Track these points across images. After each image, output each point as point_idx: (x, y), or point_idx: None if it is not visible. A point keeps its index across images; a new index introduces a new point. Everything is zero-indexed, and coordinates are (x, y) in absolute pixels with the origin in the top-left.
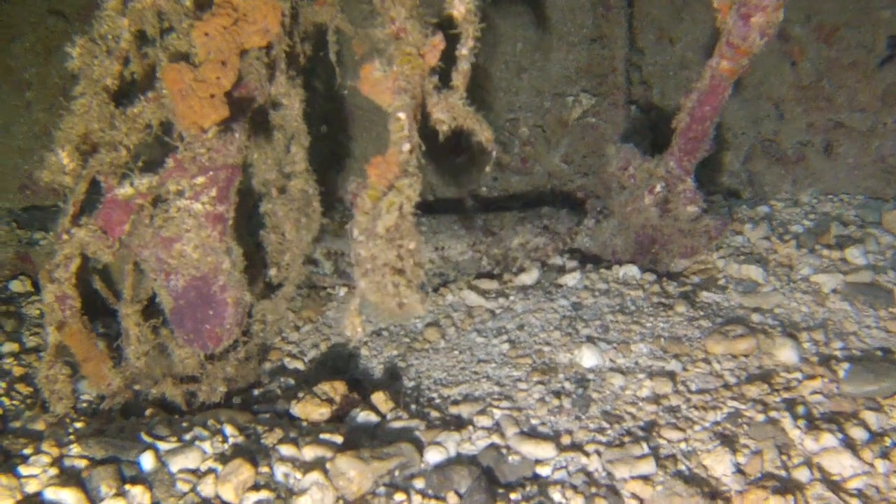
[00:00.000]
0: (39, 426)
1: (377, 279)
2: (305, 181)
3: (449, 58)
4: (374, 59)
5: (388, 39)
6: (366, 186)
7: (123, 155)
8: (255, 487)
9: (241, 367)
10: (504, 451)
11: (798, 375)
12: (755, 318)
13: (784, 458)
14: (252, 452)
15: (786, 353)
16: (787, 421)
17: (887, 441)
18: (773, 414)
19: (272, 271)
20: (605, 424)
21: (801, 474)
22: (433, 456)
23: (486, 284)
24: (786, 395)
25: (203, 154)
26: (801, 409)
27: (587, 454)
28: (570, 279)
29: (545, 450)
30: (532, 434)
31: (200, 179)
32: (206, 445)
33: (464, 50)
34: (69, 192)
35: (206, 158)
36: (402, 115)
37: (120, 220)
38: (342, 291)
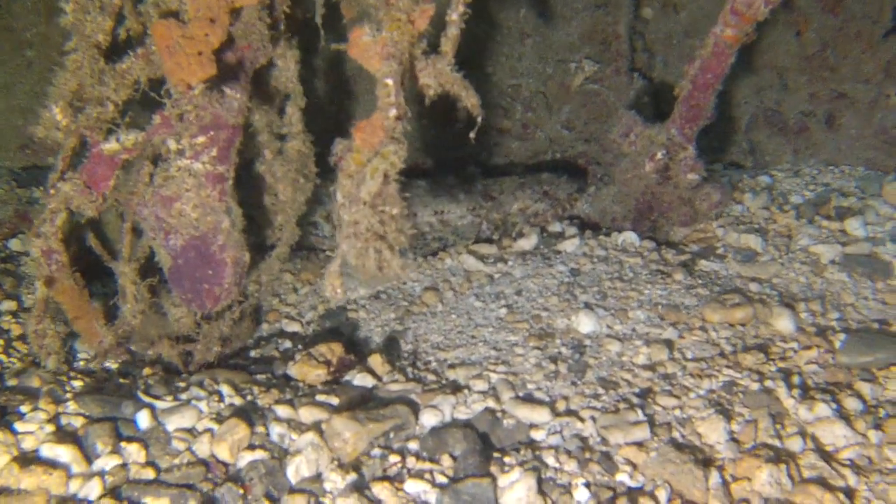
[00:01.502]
0: (34, 382)
1: (359, 243)
2: (302, 142)
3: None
4: (363, 24)
5: (378, 4)
6: (351, 150)
7: (111, 110)
8: (251, 447)
9: (236, 326)
10: (499, 415)
11: (794, 345)
12: (753, 287)
13: (778, 427)
14: (248, 412)
15: (783, 323)
16: (782, 390)
17: (881, 412)
18: (768, 383)
19: (267, 231)
20: (600, 390)
21: (795, 443)
22: (428, 419)
23: (484, 249)
24: (781, 364)
25: (197, 112)
26: (796, 379)
27: (582, 420)
28: (569, 245)
29: (540, 414)
30: (528, 399)
31: (201, 139)
32: (203, 405)
33: (454, 15)
34: (60, 148)
35: (208, 118)
36: (389, 81)
37: (104, 175)
38: None
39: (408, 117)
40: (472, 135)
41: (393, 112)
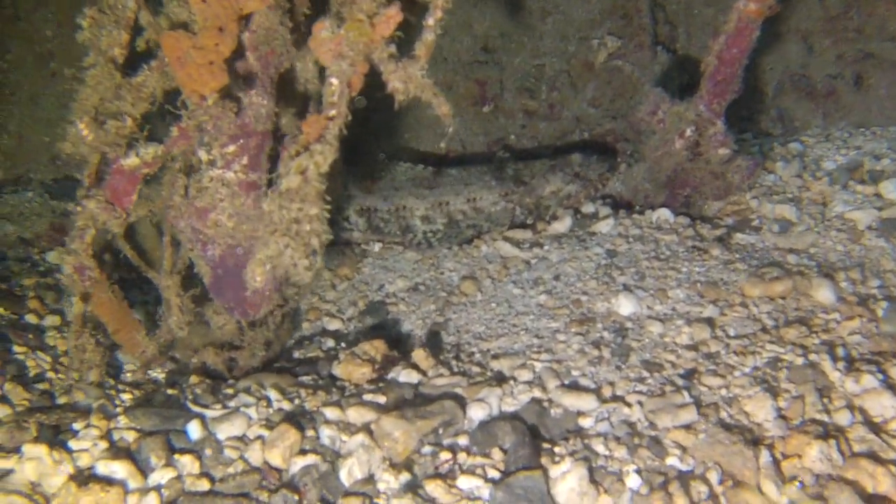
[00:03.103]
0: (82, 398)
1: (268, 235)
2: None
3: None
4: (326, 18)
5: (343, 1)
6: (295, 141)
7: (129, 125)
8: (303, 452)
9: (277, 329)
10: (546, 404)
11: (836, 316)
12: (791, 258)
13: (825, 401)
14: (297, 417)
15: (823, 294)
16: (826, 363)
17: None
18: (812, 357)
19: None
20: (645, 374)
21: (843, 417)
22: (476, 412)
23: (519, 234)
24: (824, 336)
25: (223, 122)
26: (840, 351)
27: (629, 405)
28: (604, 226)
29: (587, 402)
30: (573, 386)
31: (231, 148)
32: (252, 411)
33: (430, 20)
34: (85, 164)
35: (236, 126)
36: (335, 81)
37: (126, 190)
38: (377, 247)
39: (346, 121)
40: (442, 144)
41: (332, 111)
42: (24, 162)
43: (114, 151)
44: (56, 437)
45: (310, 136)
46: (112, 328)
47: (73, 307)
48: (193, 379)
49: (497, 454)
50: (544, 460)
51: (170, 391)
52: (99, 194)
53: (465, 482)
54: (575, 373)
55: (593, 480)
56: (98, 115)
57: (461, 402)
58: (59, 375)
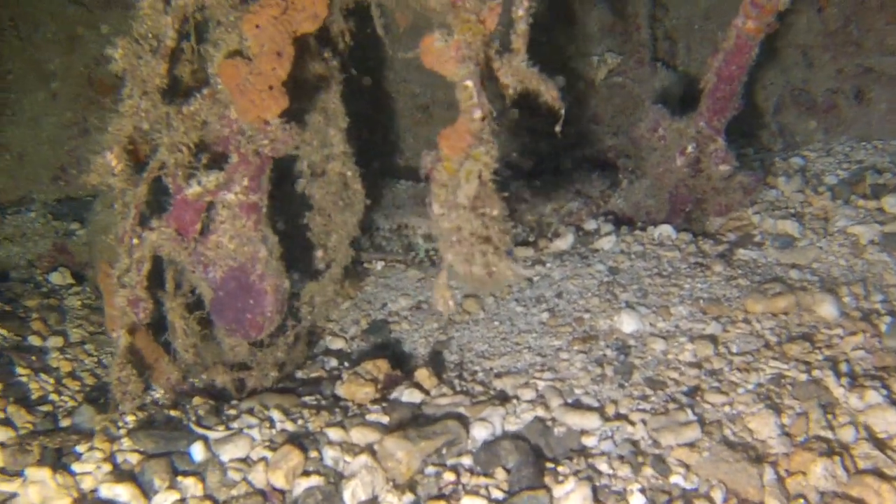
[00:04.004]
0: (86, 420)
1: (464, 250)
2: (342, 163)
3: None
4: (432, 31)
5: (444, 9)
6: (440, 159)
7: (185, 154)
8: (306, 473)
9: (290, 350)
10: (549, 423)
11: (839, 332)
12: (793, 274)
13: (829, 417)
14: (300, 438)
15: (826, 309)
16: (830, 379)
17: None
18: (816, 373)
19: (318, 253)
20: (648, 391)
21: (847, 434)
22: (479, 432)
23: (521, 252)
24: (828, 352)
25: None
26: (844, 367)
27: (632, 423)
28: (606, 243)
29: (590, 420)
30: (576, 405)
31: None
32: (255, 433)
33: (520, 11)
34: (123, 194)
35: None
36: (469, 83)
37: (192, 220)
38: (379, 265)
39: (493, 117)
40: (557, 128)
41: (478, 113)
42: (26, 182)
43: (174, 182)
44: (59, 460)
45: (460, 144)
46: (151, 359)
47: (120, 339)
48: (196, 400)
49: (501, 474)
50: (548, 480)
51: (173, 413)
52: (163, 225)
53: (468, 503)
54: (578, 391)
55: (597, 500)
56: (129, 146)
57: (464, 422)
58: (46, 387)
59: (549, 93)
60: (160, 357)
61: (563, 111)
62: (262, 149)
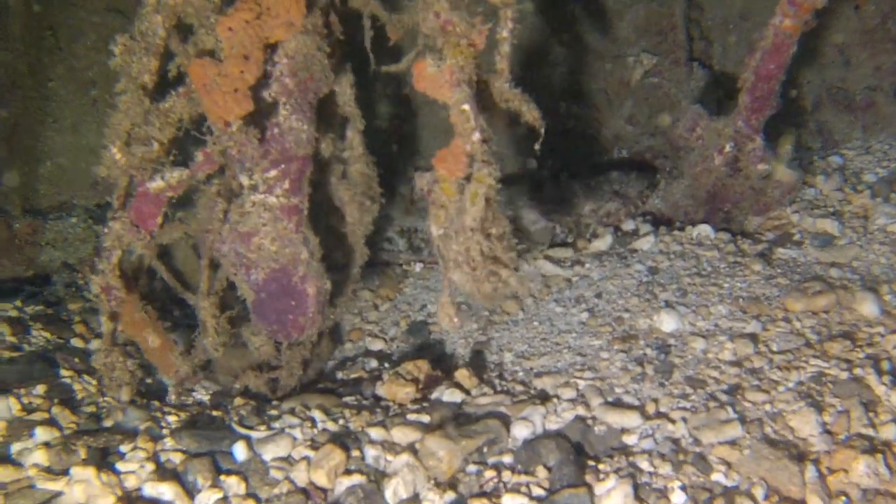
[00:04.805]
0: (121, 419)
1: (476, 271)
2: (365, 164)
3: None
4: (424, 56)
5: (434, 34)
6: (437, 181)
7: (156, 149)
8: (348, 472)
9: (316, 348)
10: (590, 422)
11: (881, 329)
12: (833, 272)
13: (871, 415)
14: (342, 437)
15: (867, 307)
16: (872, 377)
17: None
18: (857, 371)
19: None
20: (689, 390)
21: (889, 431)
22: (520, 431)
23: (560, 253)
24: (869, 350)
25: (268, 147)
26: (885, 365)
27: (673, 421)
28: (645, 243)
29: (631, 419)
30: (617, 404)
31: (273, 173)
32: (297, 432)
33: (504, 32)
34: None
35: (279, 151)
36: (466, 107)
37: (151, 213)
38: (418, 267)
39: (492, 139)
40: (536, 146)
41: (477, 136)
42: (67, 188)
43: (140, 175)
44: (104, 460)
45: (456, 168)
46: (145, 347)
47: (102, 326)
48: (238, 401)
49: (542, 472)
50: (589, 478)
51: (215, 413)
52: (124, 216)
53: (510, 500)
54: (618, 390)
55: (638, 497)
56: (130, 140)
57: (505, 421)
58: (89, 388)
59: (530, 113)
60: (169, 350)
61: (542, 131)
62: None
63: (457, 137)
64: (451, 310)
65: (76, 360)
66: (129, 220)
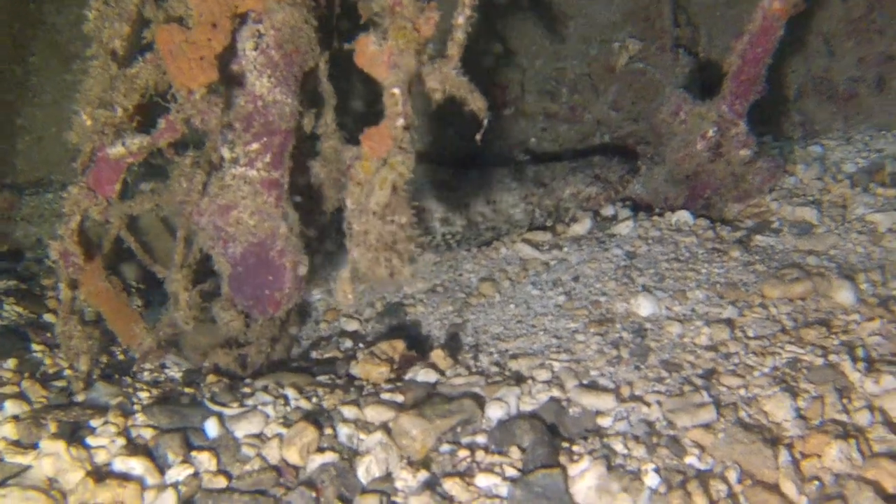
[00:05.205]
0: (100, 396)
1: (369, 253)
2: (338, 140)
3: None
4: (369, 33)
5: (383, 12)
6: (359, 157)
7: (119, 115)
8: (320, 450)
9: (284, 324)
10: (565, 403)
11: (856, 317)
12: (811, 260)
13: (845, 401)
14: (315, 415)
15: (843, 295)
16: (846, 364)
17: None
18: (832, 357)
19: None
20: (664, 373)
21: (863, 417)
22: (495, 412)
23: (539, 236)
24: (844, 337)
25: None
26: (860, 352)
27: (648, 404)
28: (624, 228)
29: (606, 401)
30: (592, 386)
31: (254, 146)
32: (270, 410)
33: (460, 19)
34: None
35: (261, 124)
36: (396, 91)
37: (109, 178)
38: None
39: (415, 126)
40: (478, 137)
41: (400, 122)
42: (45, 164)
43: (101, 140)
44: (74, 434)
45: (380, 148)
46: (108, 317)
47: (60, 293)
48: (211, 378)
49: (515, 452)
50: (563, 459)
51: (187, 390)
52: (82, 181)
53: (483, 480)
54: (594, 372)
55: (612, 479)
56: (100, 106)
57: (480, 402)
58: (61, 363)
59: (475, 102)
60: (133, 321)
61: (486, 121)
62: (248, 121)
63: (386, 118)
64: (347, 286)
65: (48, 334)
66: (87, 185)
